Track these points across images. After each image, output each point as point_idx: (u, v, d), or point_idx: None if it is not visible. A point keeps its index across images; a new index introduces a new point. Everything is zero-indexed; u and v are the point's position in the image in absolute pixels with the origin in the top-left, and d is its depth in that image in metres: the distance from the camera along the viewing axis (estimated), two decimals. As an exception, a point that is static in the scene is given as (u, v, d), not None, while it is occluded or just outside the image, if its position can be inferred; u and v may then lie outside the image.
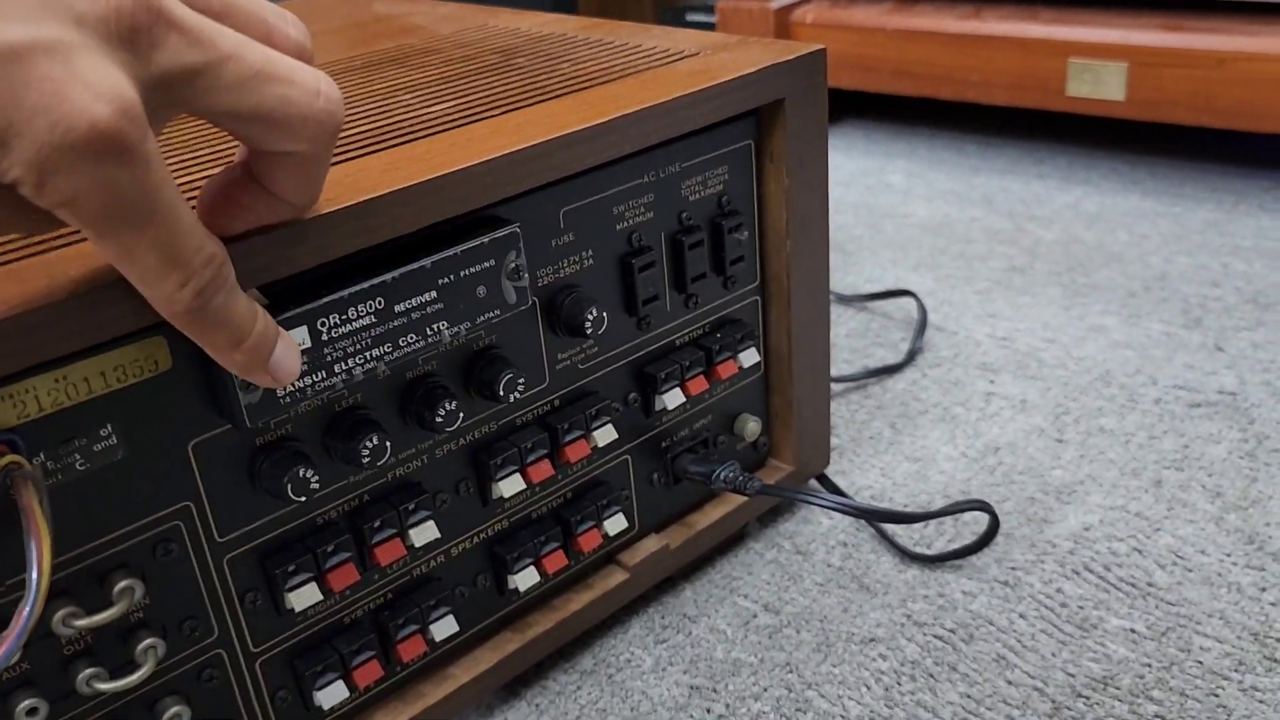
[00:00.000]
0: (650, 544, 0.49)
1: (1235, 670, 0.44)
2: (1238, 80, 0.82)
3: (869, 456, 0.60)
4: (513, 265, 0.38)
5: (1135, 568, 0.50)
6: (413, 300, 0.36)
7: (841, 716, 0.44)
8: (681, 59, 0.48)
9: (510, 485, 0.42)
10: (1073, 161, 1.00)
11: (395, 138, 0.40)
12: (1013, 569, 0.51)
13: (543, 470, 0.43)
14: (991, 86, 0.96)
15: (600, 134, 0.40)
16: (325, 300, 0.34)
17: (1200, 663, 0.45)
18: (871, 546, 0.53)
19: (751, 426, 0.52)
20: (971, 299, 0.77)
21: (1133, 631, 0.47)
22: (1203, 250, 0.81)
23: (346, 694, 0.39)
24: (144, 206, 0.25)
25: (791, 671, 0.46)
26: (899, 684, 0.45)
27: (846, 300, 0.78)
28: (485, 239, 0.37)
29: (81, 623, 0.32)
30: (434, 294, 0.36)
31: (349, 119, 0.43)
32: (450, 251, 0.36)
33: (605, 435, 0.44)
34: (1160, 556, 0.51)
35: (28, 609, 0.29)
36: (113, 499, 0.33)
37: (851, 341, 0.73)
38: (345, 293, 0.34)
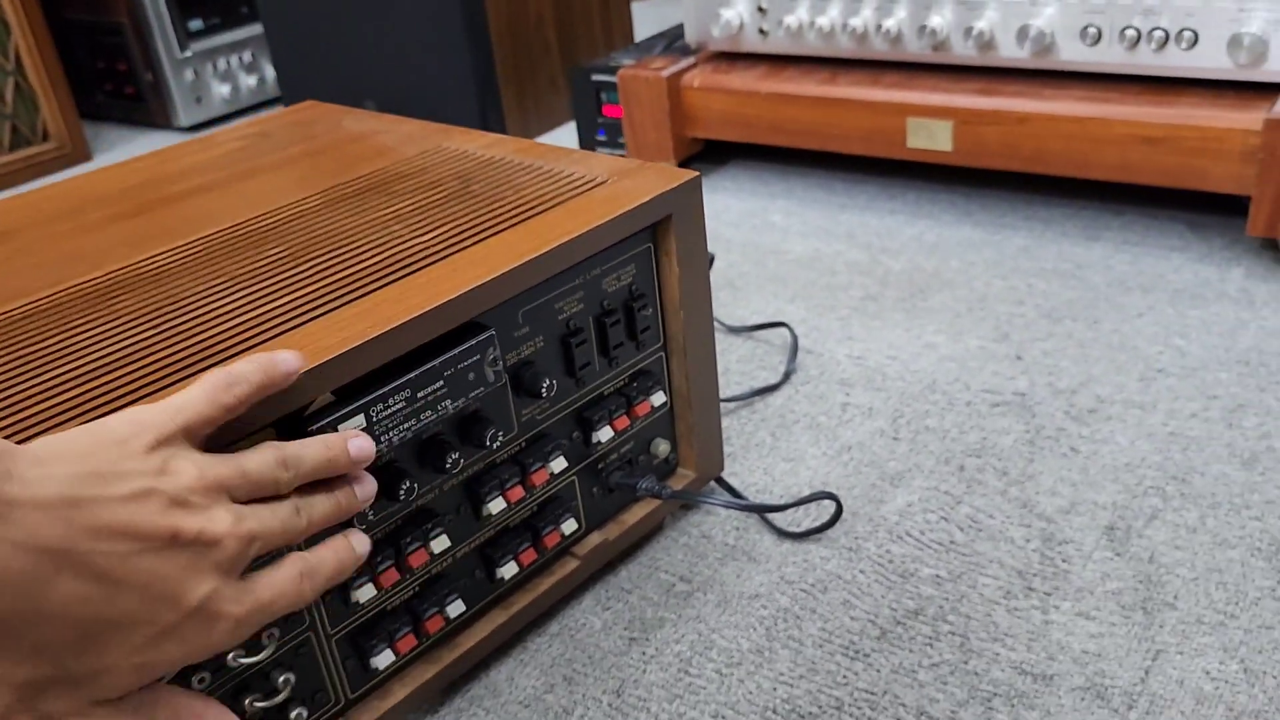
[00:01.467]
0: (594, 539, 0.67)
1: (1005, 598, 0.64)
2: (1036, 134, 1.03)
3: (755, 460, 0.79)
4: (491, 356, 0.56)
5: (942, 531, 0.70)
6: (429, 388, 0.53)
7: (737, 650, 0.63)
8: (596, 186, 0.66)
9: (496, 505, 0.60)
10: (919, 197, 1.20)
11: (400, 268, 0.57)
12: (856, 538, 0.70)
13: (517, 493, 0.60)
14: (848, 139, 1.15)
15: (547, 258, 0.58)
16: (374, 395, 0.51)
17: (982, 594, 0.65)
18: (756, 529, 0.72)
19: (663, 447, 0.70)
20: (835, 325, 0.96)
21: (937, 576, 0.66)
22: (1015, 274, 1.02)
23: (393, 658, 0.57)
24: None
25: (701, 622, 0.65)
26: (776, 625, 0.64)
27: (735, 331, 0.97)
28: (474, 342, 0.55)
29: (229, 618, 0.49)
30: (441, 382, 0.54)
31: (369, 250, 0.59)
32: (451, 353, 0.54)
33: (559, 464, 0.62)
34: (960, 522, 0.71)
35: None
36: (243, 536, 0.50)
37: (740, 366, 0.92)
38: (386, 389, 0.52)
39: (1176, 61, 0.98)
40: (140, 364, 0.51)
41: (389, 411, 0.52)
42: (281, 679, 0.53)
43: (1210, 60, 0.96)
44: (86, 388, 0.49)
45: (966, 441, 0.78)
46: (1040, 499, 0.72)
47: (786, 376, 0.89)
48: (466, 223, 0.62)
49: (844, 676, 0.60)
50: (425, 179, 0.70)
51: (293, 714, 0.54)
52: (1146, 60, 0.99)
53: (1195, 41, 0.96)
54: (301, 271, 0.58)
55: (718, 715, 0.59)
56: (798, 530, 0.71)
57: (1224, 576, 0.64)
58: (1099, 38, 1.01)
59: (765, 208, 1.23)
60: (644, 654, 0.63)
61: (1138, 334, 0.89)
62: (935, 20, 1.08)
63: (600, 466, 0.67)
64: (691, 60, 1.27)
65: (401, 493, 0.54)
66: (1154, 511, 0.69)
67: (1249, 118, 0.93)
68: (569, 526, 0.64)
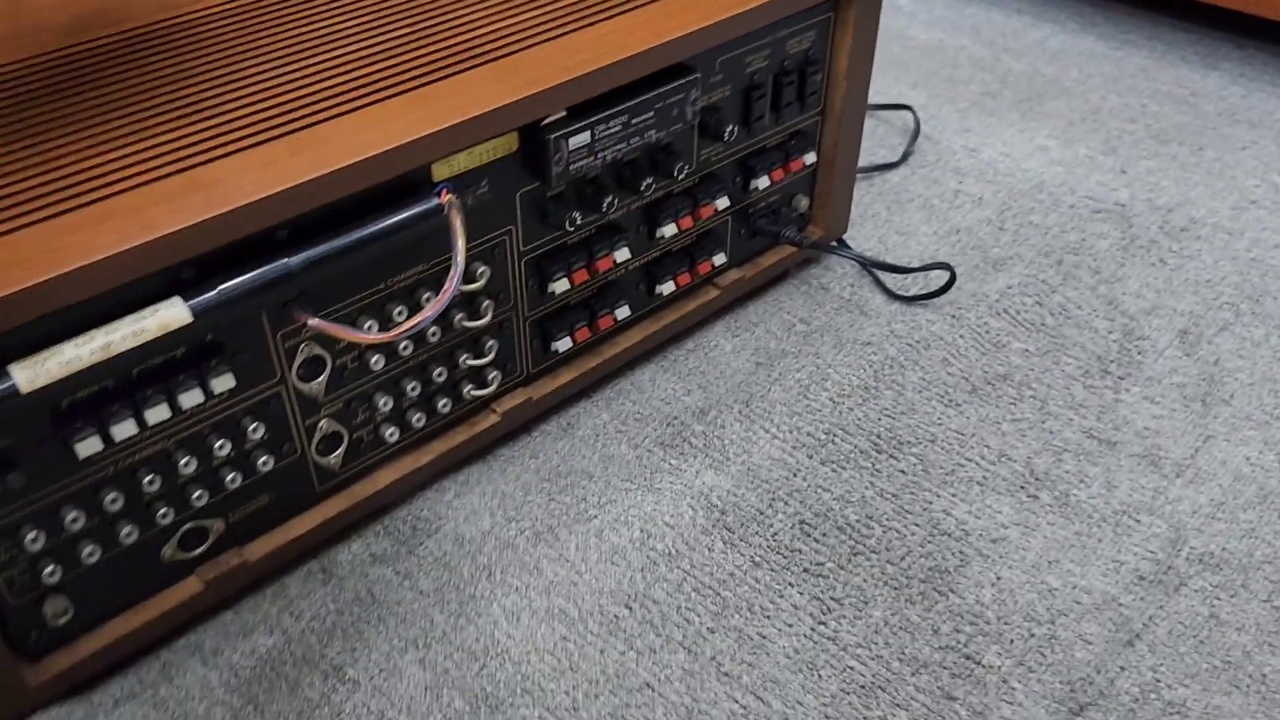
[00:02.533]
0: (734, 274, 0.76)
1: (1083, 375, 0.74)
2: (1182, -45, 1.05)
3: (871, 229, 0.87)
4: (693, 97, 0.63)
5: (1035, 314, 0.79)
6: (641, 118, 0.61)
7: (848, 384, 0.73)
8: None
9: (669, 229, 0.68)
10: (1047, 1, 1.22)
11: (621, 5, 0.63)
12: (959, 308, 0.79)
13: (686, 222, 0.69)
14: (992, -68, 1.16)
15: (754, 13, 0.64)
16: (600, 115, 0.59)
17: (1063, 370, 0.74)
18: (870, 288, 0.81)
19: (803, 202, 0.78)
20: (953, 116, 1.02)
21: (1026, 350, 0.76)
22: (1130, 92, 1.06)
23: (570, 345, 0.67)
24: None
25: (818, 357, 0.75)
26: (883, 369, 0.74)
27: (860, 108, 1.02)
28: (683, 81, 0.62)
29: (467, 288, 0.59)
30: (651, 114, 0.61)
31: (582, -17, 0.65)
32: (664, 88, 0.61)
33: (723, 202, 0.70)
34: (1052, 308, 0.79)
35: (456, 277, 0.56)
36: (481, 221, 0.59)
37: (863, 141, 0.98)
38: (610, 111, 0.59)
39: (1341, -100, 0.99)
40: (399, 56, 0.58)
41: (607, 132, 0.60)
42: (489, 344, 0.63)
43: (1375, -96, 0.97)
44: (260, 115, 0.55)
45: (1066, 240, 0.86)
46: (1126, 299, 0.80)
47: (905, 157, 0.96)
48: None
49: (939, 418, 0.71)
50: None
51: (489, 376, 0.64)
52: (1311, -106, 1.00)
53: (1365, -118, 0.96)
54: None
55: (830, 433, 0.69)
56: (907, 294, 0.80)
57: (1277, 385, 0.73)
58: None
59: (893, -11, 1.25)
60: (768, 376, 0.74)
61: (1238, 165, 0.95)
62: None
63: (750, 211, 0.75)
64: None
65: (604, 205, 0.62)
66: (1225, 323, 0.78)
67: (1398, -31, 0.95)
68: (719, 259, 0.73)
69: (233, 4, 0.62)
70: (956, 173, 0.94)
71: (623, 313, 0.69)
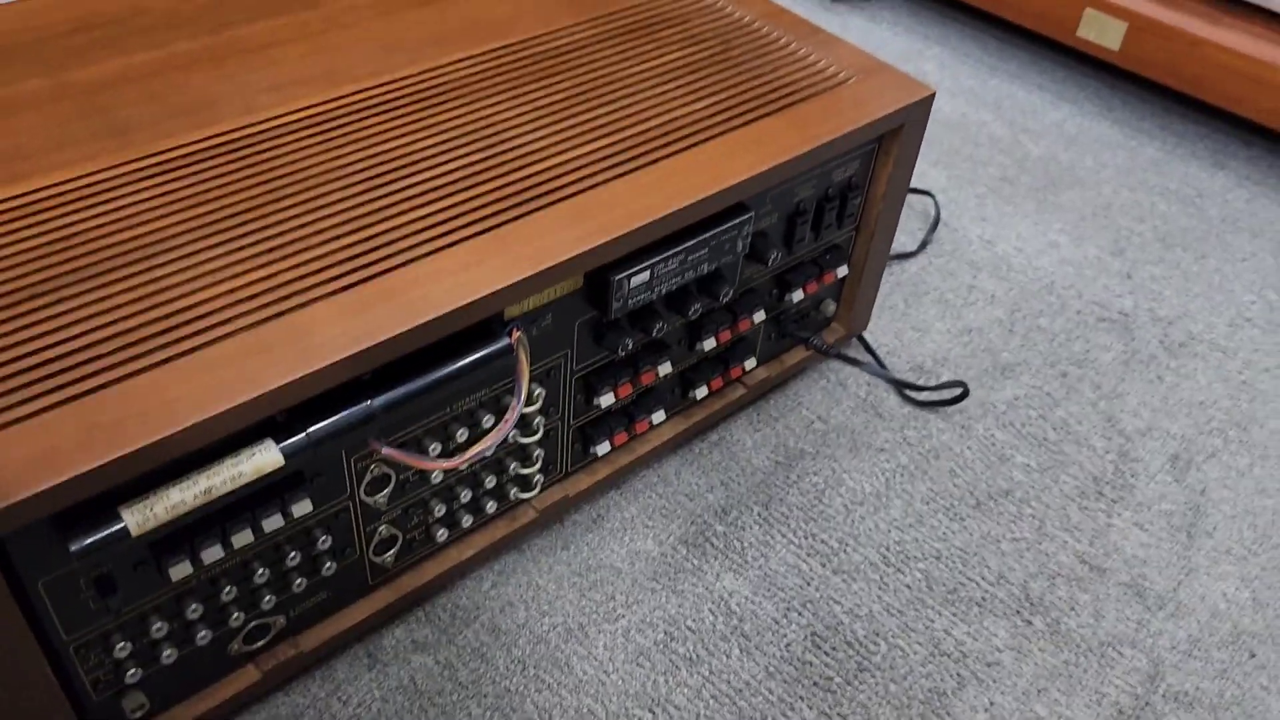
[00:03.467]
0: (760, 373, 0.80)
1: (1079, 496, 0.79)
2: (1203, 60, 1.09)
3: (887, 322, 0.92)
4: (746, 232, 0.67)
5: (1038, 428, 0.84)
6: (696, 254, 0.64)
7: (861, 491, 0.78)
8: (843, 84, 0.73)
9: (709, 343, 0.72)
10: (1067, 77, 1.26)
11: (682, 137, 0.67)
12: (968, 418, 0.84)
13: (726, 336, 0.73)
14: (1021, 11, 1.19)
15: (808, 155, 0.67)
16: (659, 257, 0.62)
17: (1061, 489, 0.79)
18: (886, 388, 0.86)
19: (831, 308, 0.82)
20: (971, 201, 1.06)
21: (1028, 465, 0.81)
22: (1141, 187, 1.10)
23: (608, 449, 0.71)
24: None
25: (835, 461, 0.80)
26: (894, 477, 0.79)
27: (883, 187, 1.06)
28: (737, 220, 0.65)
29: (525, 410, 0.63)
30: (706, 250, 0.65)
31: (649, 107, 0.68)
32: (721, 228, 0.65)
33: (759, 316, 0.74)
34: (1055, 423, 0.84)
35: (519, 406, 0.59)
36: (541, 348, 0.62)
37: (883, 224, 1.02)
38: (670, 252, 0.63)
39: (1359, 26, 1.03)
40: (474, 189, 0.61)
41: (665, 269, 0.63)
42: (536, 453, 0.67)
43: (1391, 34, 1.01)
44: (345, 252, 0.57)
45: (1071, 349, 0.91)
46: (1124, 417, 0.85)
47: (923, 246, 1.00)
48: (731, 98, 0.71)
49: (944, 533, 0.75)
50: (687, 30, 0.77)
51: (534, 480, 0.68)
52: (1331, 16, 1.04)
53: (1384, 12, 1.01)
54: (594, 116, 0.67)
55: (843, 543, 0.74)
56: (920, 399, 0.85)
57: (1256, 520, 0.78)
58: (1295, -19, 1.04)
59: (920, 52, 1.28)
60: (787, 478, 0.78)
61: (1237, 278, 1.00)
62: (1144, -82, 1.10)
63: (781, 318, 0.79)
64: (888, -115, 1.27)
65: (655, 329, 0.66)
66: (1214, 450, 0.83)
67: (1406, 102, 0.99)
68: (750, 364, 0.77)
69: (311, 113, 0.65)
70: (972, 266, 0.98)
71: (658, 417, 0.73)
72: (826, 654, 0.68)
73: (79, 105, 0.64)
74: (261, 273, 0.55)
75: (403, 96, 0.67)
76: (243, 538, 0.53)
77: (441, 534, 0.65)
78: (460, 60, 0.71)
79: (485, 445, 0.59)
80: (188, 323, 0.52)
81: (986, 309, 0.94)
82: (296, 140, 0.63)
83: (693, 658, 0.67)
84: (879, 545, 0.74)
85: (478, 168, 0.63)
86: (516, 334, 0.59)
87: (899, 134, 0.73)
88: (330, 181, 0.60)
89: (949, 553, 0.74)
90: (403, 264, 0.56)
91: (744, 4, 0.81)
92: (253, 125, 0.63)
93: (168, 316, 0.52)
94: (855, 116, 0.70)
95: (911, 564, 0.73)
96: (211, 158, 0.61)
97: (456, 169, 0.62)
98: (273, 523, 0.54)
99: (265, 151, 0.62)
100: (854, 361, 0.87)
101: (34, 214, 0.56)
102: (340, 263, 0.56)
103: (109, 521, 0.46)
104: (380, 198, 0.60)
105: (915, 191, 1.06)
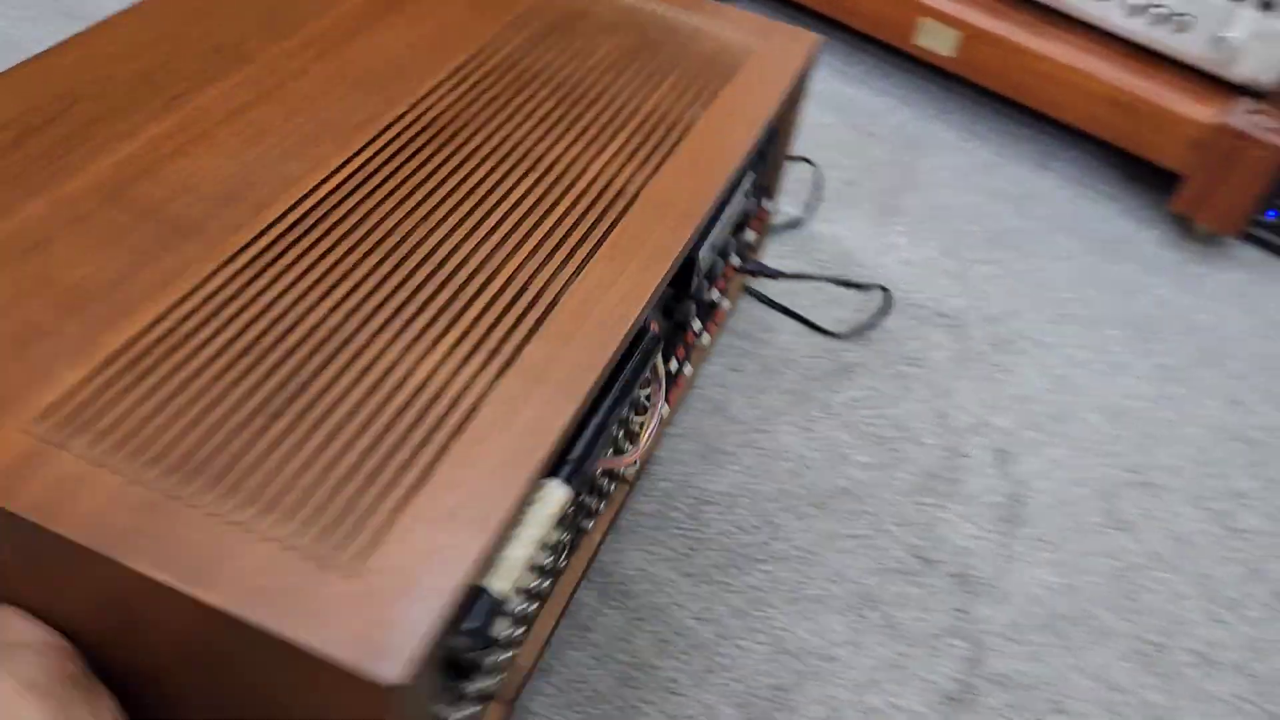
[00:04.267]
0: (612, 384, 0.83)
1: (912, 492, 0.84)
2: (1028, 68, 1.15)
3: (734, 323, 0.95)
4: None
5: (876, 426, 0.89)
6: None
7: (709, 493, 0.81)
8: (755, 53, 0.76)
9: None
10: (908, 81, 1.31)
11: (677, 131, 0.71)
12: (811, 420, 0.88)
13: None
14: (859, 16, 1.24)
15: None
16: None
17: (896, 487, 0.84)
18: (735, 388, 0.89)
19: (679, 318, 0.85)
20: (818, 203, 1.10)
21: (867, 464, 0.85)
22: (974, 190, 1.16)
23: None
24: None
25: (684, 465, 0.83)
26: (740, 479, 0.82)
27: (732, 191, 1.09)
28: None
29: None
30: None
31: (623, 107, 0.69)
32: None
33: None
34: (891, 421, 0.89)
35: (661, 387, 0.62)
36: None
37: (733, 228, 1.05)
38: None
39: (1166, 39, 1.10)
40: (557, 207, 0.64)
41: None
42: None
43: (1195, 47, 1.09)
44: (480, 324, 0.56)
45: (907, 349, 0.96)
46: (954, 413, 0.91)
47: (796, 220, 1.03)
48: (684, 79, 0.77)
49: (787, 534, 0.79)
50: (601, 23, 0.79)
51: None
52: (1141, 30, 1.11)
53: (1188, 26, 1.08)
54: (596, 117, 0.71)
55: (691, 547, 0.77)
56: (759, 408, 0.89)
57: (1071, 509, 0.85)
58: (1109, -5, 1.11)
59: (770, 55, 1.31)
60: (637, 484, 0.81)
61: (1059, 276, 1.07)
62: (974, -68, 1.16)
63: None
64: (736, -110, 1.30)
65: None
66: (1034, 443, 0.90)
67: (1204, 111, 1.07)
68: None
69: (348, 171, 0.63)
70: (818, 267, 1.02)
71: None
72: (674, 658, 0.71)
73: (112, 217, 0.58)
74: (448, 338, 0.54)
75: (412, 133, 0.67)
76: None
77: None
78: (437, 86, 0.71)
79: (650, 428, 0.66)
80: (429, 405, 0.51)
81: (830, 310, 0.98)
82: (358, 200, 0.62)
83: (544, 668, 0.69)
84: (725, 548, 0.78)
85: (541, 187, 0.65)
86: (654, 324, 0.62)
87: (800, 89, 0.79)
88: (423, 229, 0.60)
89: (793, 553, 0.78)
90: (562, 290, 0.58)
91: None
92: (308, 196, 0.61)
93: (407, 406, 0.51)
94: (781, 78, 0.76)
95: (756, 565, 0.77)
96: (297, 239, 0.59)
97: (525, 191, 0.64)
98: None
99: (341, 219, 0.60)
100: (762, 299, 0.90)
101: (183, 341, 0.52)
102: (509, 302, 0.57)
103: (481, 595, 0.46)
104: (477, 226, 0.61)
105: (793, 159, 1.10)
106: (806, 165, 1.14)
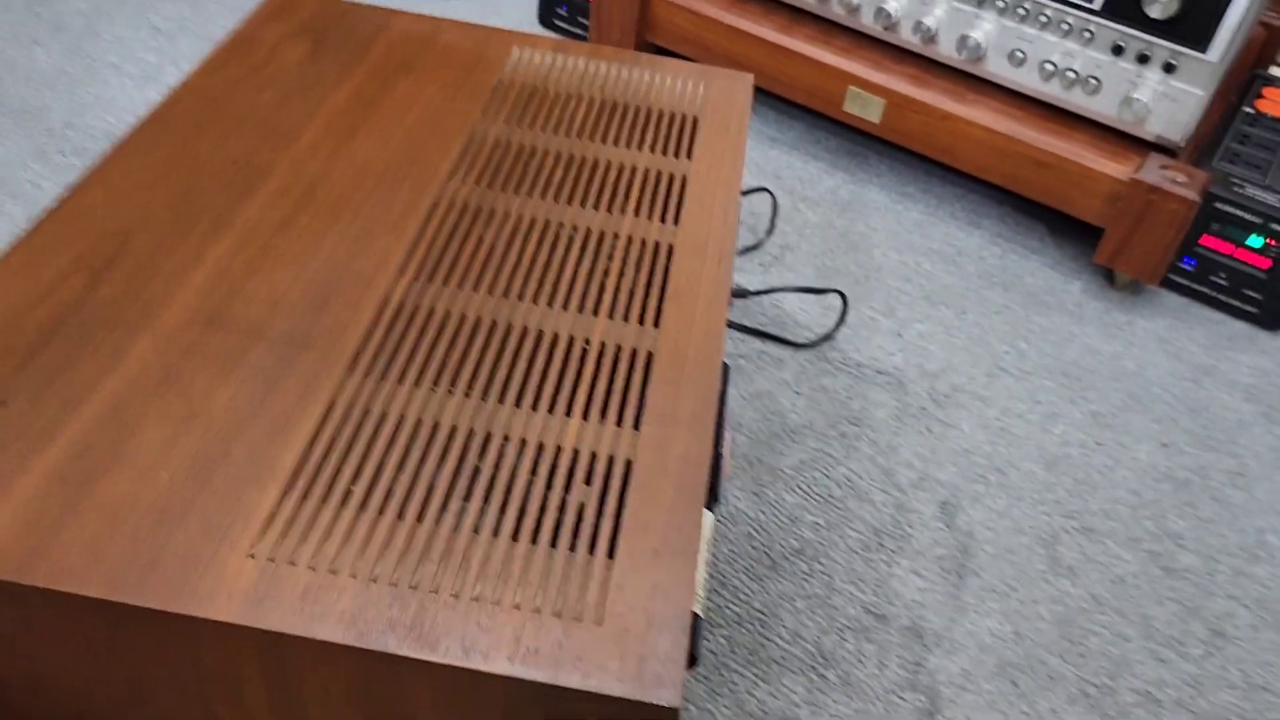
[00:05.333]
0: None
1: (863, 549, 0.86)
2: (952, 132, 1.20)
3: (685, 394, 0.97)
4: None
5: (824, 487, 0.91)
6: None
7: (666, 563, 0.83)
8: (707, 100, 0.79)
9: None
10: (839, 147, 1.36)
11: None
12: (760, 485, 0.90)
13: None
14: (793, 89, 1.29)
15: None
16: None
17: (847, 544, 0.87)
18: (685, 460, 0.91)
19: (628, 390, 0.87)
20: (756, 269, 1.14)
21: (817, 524, 0.88)
22: (907, 249, 1.21)
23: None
24: None
25: (640, 536, 0.84)
26: (696, 546, 0.84)
27: (675, 261, 1.13)
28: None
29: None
30: (503, 358, 0.69)
31: (634, 182, 0.72)
32: (516, 338, 0.69)
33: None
34: (839, 480, 0.92)
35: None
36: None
37: (677, 297, 1.08)
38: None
39: (1080, 101, 1.16)
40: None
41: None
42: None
43: (1107, 108, 1.15)
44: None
45: (851, 408, 0.99)
46: (898, 469, 0.94)
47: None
48: (658, 137, 0.81)
49: (745, 595, 0.81)
50: (561, 90, 0.83)
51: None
52: (1057, 92, 1.17)
53: (1098, 89, 1.14)
54: (596, 190, 0.74)
55: (651, 615, 0.79)
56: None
57: (1015, 557, 0.88)
58: (1023, 61, 1.17)
59: (705, 126, 1.36)
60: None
61: (992, 330, 1.11)
62: (891, 4, 1.21)
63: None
64: (666, -30, 1.35)
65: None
66: (977, 495, 0.93)
67: (1119, 168, 1.13)
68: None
69: (422, 268, 0.65)
70: (759, 325, 1.06)
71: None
72: (640, 727, 0.72)
73: (221, 342, 0.59)
74: (578, 402, 0.59)
75: (455, 217, 0.70)
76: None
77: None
78: (454, 171, 0.73)
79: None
80: (592, 463, 0.56)
81: (775, 372, 1.01)
82: (437, 286, 0.64)
83: (514, 745, 0.70)
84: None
85: (589, 250, 0.69)
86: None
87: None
88: (507, 305, 0.64)
89: (750, 615, 0.80)
90: (652, 339, 0.63)
91: (596, 55, 0.86)
92: (392, 290, 0.64)
93: (574, 467, 0.56)
94: (739, 117, 0.81)
95: (716, 630, 0.79)
96: (403, 331, 0.61)
97: (577, 256, 0.68)
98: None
99: (432, 306, 0.63)
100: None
101: (349, 447, 0.55)
102: (614, 359, 0.62)
103: (696, 620, 0.52)
104: (553, 295, 0.65)
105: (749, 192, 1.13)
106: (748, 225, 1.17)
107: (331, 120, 0.76)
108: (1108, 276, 1.22)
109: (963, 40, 1.19)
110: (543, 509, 0.53)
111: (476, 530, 0.51)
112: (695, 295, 0.66)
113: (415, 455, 0.55)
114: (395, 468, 0.54)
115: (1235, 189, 1.15)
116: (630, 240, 0.70)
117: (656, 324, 0.64)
